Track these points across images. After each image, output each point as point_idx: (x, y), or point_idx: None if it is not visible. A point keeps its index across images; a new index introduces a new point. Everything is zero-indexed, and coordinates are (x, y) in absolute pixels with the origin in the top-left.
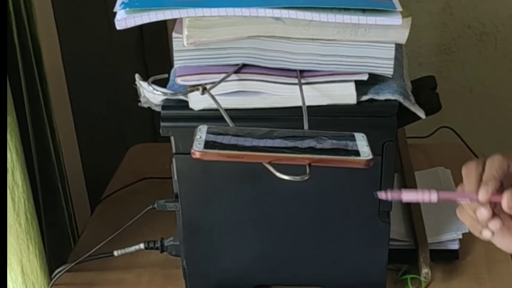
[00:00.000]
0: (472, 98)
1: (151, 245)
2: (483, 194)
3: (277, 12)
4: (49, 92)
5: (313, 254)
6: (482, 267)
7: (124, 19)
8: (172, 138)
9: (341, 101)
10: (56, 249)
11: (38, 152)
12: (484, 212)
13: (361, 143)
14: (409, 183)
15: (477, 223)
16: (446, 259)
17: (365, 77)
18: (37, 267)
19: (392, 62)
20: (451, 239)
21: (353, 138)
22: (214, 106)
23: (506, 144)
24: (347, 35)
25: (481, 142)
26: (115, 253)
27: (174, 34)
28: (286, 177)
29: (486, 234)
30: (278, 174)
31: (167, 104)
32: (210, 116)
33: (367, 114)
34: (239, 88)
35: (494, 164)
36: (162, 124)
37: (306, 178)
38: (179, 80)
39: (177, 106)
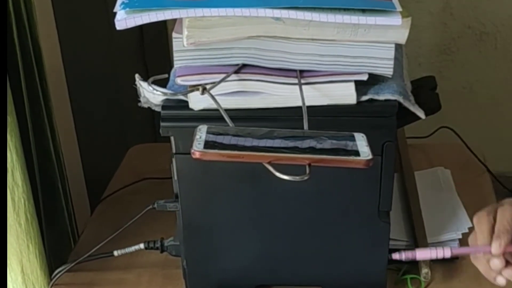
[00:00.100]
0: (472, 98)
1: (151, 245)
2: (496, 248)
3: (277, 12)
4: (49, 92)
5: (313, 254)
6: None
7: (124, 19)
8: (172, 138)
9: (341, 101)
10: (56, 249)
11: (38, 152)
12: (497, 263)
13: (361, 143)
14: (408, 183)
15: (491, 270)
16: (446, 259)
17: (365, 77)
18: (37, 267)
19: (392, 62)
20: (451, 239)
21: (352, 138)
22: (214, 106)
23: (506, 144)
24: (347, 35)
25: (481, 142)
26: (115, 253)
27: (174, 34)
28: (286, 177)
29: (500, 281)
30: (278, 174)
31: (167, 104)
32: (210, 116)
33: (367, 114)
34: (239, 88)
35: (506, 215)
36: (162, 124)
37: (306, 178)
38: (179, 80)
39: (177, 106)
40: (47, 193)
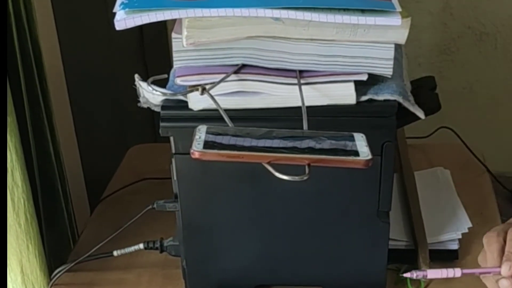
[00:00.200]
0: (472, 98)
1: (151, 245)
2: (506, 271)
3: (276, 13)
4: (49, 93)
5: (313, 254)
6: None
7: (123, 20)
8: (171, 138)
9: (340, 101)
10: (55, 249)
11: (38, 152)
12: (505, 284)
13: (360, 143)
14: (408, 183)
15: None
16: (445, 259)
17: (364, 77)
18: (36, 267)
19: (392, 62)
20: (450, 239)
21: (352, 138)
22: (214, 106)
23: (506, 144)
24: (347, 35)
25: (480, 142)
26: (115, 253)
27: (173, 35)
28: (285, 177)
29: None
30: (277, 174)
31: (167, 105)
32: (210, 116)
33: (367, 114)
34: (239, 88)
35: None
36: (161, 124)
37: (305, 178)
38: (178, 81)
39: (176, 107)
40: (47, 193)
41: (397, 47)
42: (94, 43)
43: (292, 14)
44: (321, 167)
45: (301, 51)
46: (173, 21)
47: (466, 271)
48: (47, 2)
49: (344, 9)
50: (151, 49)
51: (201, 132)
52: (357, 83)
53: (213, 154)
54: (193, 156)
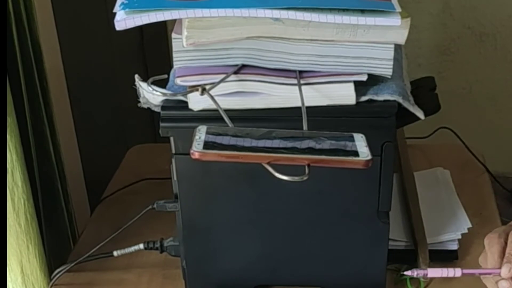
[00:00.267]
0: (472, 98)
1: (151, 245)
2: (506, 272)
3: (276, 13)
4: (49, 93)
5: (313, 254)
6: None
7: (123, 20)
8: (171, 139)
9: (340, 102)
10: (55, 250)
11: (38, 152)
12: (505, 285)
13: (360, 143)
14: (408, 184)
15: None
16: (445, 259)
17: (364, 78)
18: (36, 267)
19: (391, 62)
20: (450, 239)
21: (352, 139)
22: (214, 106)
23: (506, 145)
24: (346, 35)
25: (480, 143)
26: (115, 253)
27: (173, 35)
28: (285, 178)
29: None
30: (277, 175)
31: (167, 105)
32: (210, 117)
33: (366, 114)
34: (239, 89)
35: None
36: (161, 124)
37: (305, 178)
38: (178, 81)
39: (176, 107)
40: (47, 193)
41: (397, 47)
42: (94, 43)
43: (292, 14)
44: (321, 168)
45: (301, 51)
46: (173, 21)
47: (466, 271)
48: (47, 2)
49: (344, 10)
50: (151, 49)
51: (201, 133)
52: (357, 84)
53: (213, 155)
54: (193, 157)
